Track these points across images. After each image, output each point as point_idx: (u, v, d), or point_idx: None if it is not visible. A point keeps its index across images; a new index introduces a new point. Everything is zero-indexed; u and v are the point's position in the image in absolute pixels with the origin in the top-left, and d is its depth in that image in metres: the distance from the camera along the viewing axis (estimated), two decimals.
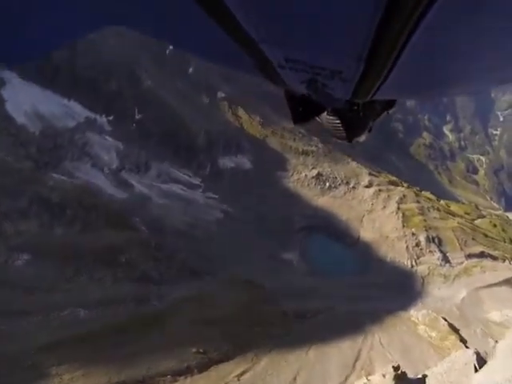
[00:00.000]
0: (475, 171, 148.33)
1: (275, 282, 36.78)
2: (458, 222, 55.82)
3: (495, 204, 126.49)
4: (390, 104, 1.70)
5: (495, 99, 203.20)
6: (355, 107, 1.46)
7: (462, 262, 47.51)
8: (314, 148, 63.77)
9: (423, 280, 43.96)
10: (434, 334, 31.45)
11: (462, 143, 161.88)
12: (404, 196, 57.00)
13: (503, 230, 65.52)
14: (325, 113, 1.74)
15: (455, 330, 32.19)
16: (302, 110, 1.65)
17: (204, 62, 69.01)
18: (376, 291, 39.68)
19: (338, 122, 1.72)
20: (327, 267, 45.67)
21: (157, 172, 49.06)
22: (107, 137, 48.20)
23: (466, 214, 66.49)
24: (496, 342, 30.36)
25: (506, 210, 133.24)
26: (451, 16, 0.72)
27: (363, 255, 48.29)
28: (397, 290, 40.93)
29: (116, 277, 30.12)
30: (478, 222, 65.11)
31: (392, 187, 59.67)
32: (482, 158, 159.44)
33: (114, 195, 41.95)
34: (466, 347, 28.46)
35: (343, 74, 1.00)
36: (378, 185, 59.22)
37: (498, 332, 31.69)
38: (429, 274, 44.98)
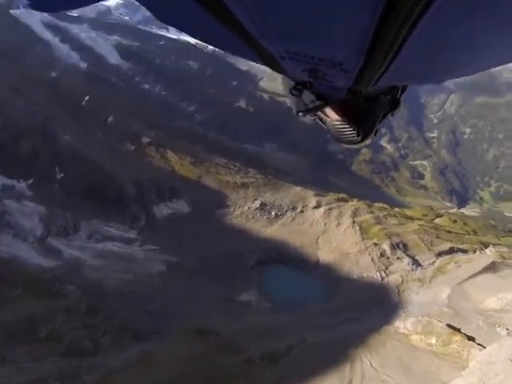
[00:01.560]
0: (421, 176, 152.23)
1: (234, 326, 34.28)
2: (419, 224, 55.88)
3: (448, 203, 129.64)
4: (394, 104, 1.67)
5: (425, 103, 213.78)
6: (357, 97, 1.47)
7: (433, 262, 46.84)
8: (252, 179, 62.79)
9: (398, 289, 42.39)
10: (433, 341, 29.07)
11: (402, 152, 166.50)
12: (356, 209, 56.36)
13: (465, 224, 66.91)
14: (330, 118, 1.72)
15: (456, 330, 29.94)
16: (304, 102, 1.62)
17: (124, 109, 69.23)
18: (350, 313, 37.89)
19: (344, 123, 1.69)
20: (290, 299, 43.30)
21: (87, 232, 46.17)
22: (28, 202, 45.41)
23: (424, 216, 67.10)
24: (507, 329, 29.00)
25: (460, 206, 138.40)
26: (453, 7, 0.74)
27: (327, 278, 46.51)
28: (372, 306, 39.05)
29: (35, 354, 26.28)
30: (437, 221, 65.72)
31: (342, 203, 59.10)
32: (424, 162, 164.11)
33: (42, 265, 38.70)
34: (479, 345, 26.78)
35: (344, 65, 1.02)
36: (327, 204, 58.43)
37: (503, 318, 30.64)
38: (402, 281, 43.64)
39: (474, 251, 49.97)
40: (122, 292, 38.06)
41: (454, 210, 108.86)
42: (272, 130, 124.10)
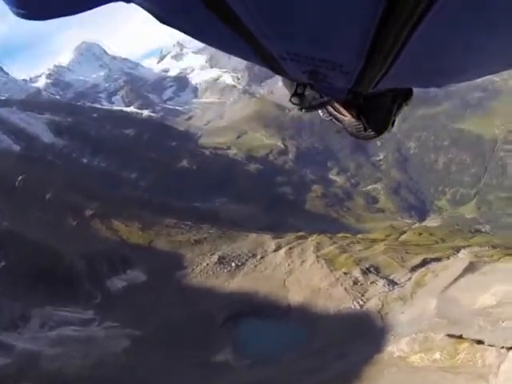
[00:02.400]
0: (376, 200, 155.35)
1: None
2: (385, 245, 55.56)
3: (408, 220, 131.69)
4: (407, 94, 1.73)
5: None
6: (358, 98, 1.49)
7: (409, 278, 45.76)
8: (206, 234, 61.89)
9: (380, 313, 40.74)
10: (437, 356, 26.76)
11: (353, 181, 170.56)
12: (318, 243, 55.59)
13: (431, 235, 67.59)
14: (343, 115, 1.79)
15: (459, 337, 27.62)
16: (308, 98, 1.62)
17: (62, 186, 67.41)
18: (335, 350, 36.05)
19: (357, 119, 1.76)
20: (268, 351, 41.05)
21: (40, 320, 43.52)
22: None
23: (388, 236, 67.39)
24: None
25: (421, 220, 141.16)
26: (454, 10, 0.75)
27: (303, 320, 44.68)
28: (358, 337, 37.32)
29: None
30: (402, 238, 65.95)
31: (302, 241, 58.31)
32: (376, 186, 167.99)
33: None
34: (491, 346, 24.78)
35: (344, 67, 1.03)
36: (287, 244, 57.53)
37: (505, 312, 29.16)
38: (383, 304, 41.93)
39: (448, 257, 49.86)
40: (85, 379, 35.24)
41: (417, 225, 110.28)
42: (219, 183, 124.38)
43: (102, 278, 50.60)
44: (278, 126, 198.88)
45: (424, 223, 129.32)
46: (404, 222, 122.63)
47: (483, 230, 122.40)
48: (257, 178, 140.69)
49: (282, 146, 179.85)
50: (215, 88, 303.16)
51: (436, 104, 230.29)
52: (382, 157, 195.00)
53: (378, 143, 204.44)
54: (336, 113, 1.79)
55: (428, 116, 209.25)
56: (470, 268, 42.09)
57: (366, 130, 1.78)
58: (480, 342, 25.36)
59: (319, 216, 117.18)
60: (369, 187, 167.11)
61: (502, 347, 21.84)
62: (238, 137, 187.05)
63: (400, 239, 63.06)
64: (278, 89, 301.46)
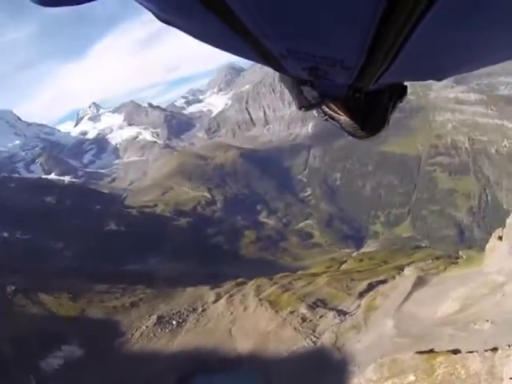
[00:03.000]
0: (310, 236, 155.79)
1: None
2: (327, 276, 55.19)
3: (347, 250, 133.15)
4: (402, 91, 1.73)
5: (290, 167, 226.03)
6: (358, 94, 1.53)
7: (359, 305, 45.02)
8: (141, 295, 59.56)
9: (336, 346, 39.25)
10: (412, 378, 22.91)
11: (284, 220, 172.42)
12: (258, 287, 54.46)
13: (371, 259, 68.48)
14: (340, 114, 1.80)
15: (431, 352, 24.26)
16: (305, 98, 1.65)
17: None
18: None
19: (354, 118, 1.77)
20: None
21: None
22: None
23: (328, 268, 67.32)
24: (487, 320, 27.08)
25: (359, 247, 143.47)
26: (455, 7, 0.76)
27: (256, 368, 42.50)
28: (318, 376, 35.71)
29: None
30: (343, 267, 66.49)
31: (241, 287, 57.14)
32: (308, 222, 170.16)
33: None
34: (470, 352, 21.57)
35: (345, 63, 1.04)
36: (227, 292, 56.14)
37: (473, 314, 29.22)
38: (337, 337, 40.47)
39: (393, 277, 50.15)
40: None
41: (356, 253, 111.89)
42: (150, 242, 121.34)
43: (35, 360, 46.32)
44: (202, 177, 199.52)
45: (363, 250, 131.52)
46: (343, 253, 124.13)
47: (423, 245, 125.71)
48: (188, 232, 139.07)
49: (209, 196, 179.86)
50: (135, 146, 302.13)
51: None
52: (309, 192, 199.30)
53: (304, 179, 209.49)
54: (332, 112, 1.78)
55: (349, 144, 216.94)
56: (420, 282, 42.34)
57: (363, 128, 1.77)
58: (456, 352, 23.25)
59: (256, 261, 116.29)
60: (301, 224, 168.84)
61: (486, 350, 20.44)
62: (164, 193, 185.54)
63: (341, 269, 63.44)
64: (198, 139, 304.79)
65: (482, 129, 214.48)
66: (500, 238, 42.43)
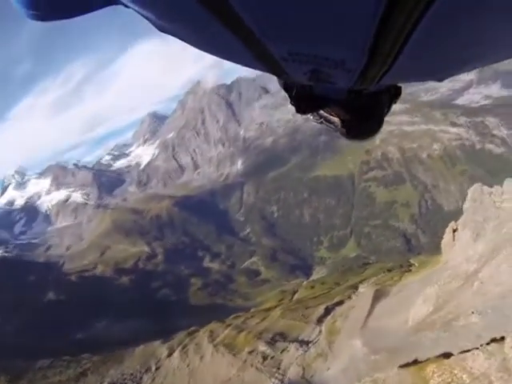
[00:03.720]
0: (257, 273, 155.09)
1: None
2: (281, 309, 54.06)
3: (296, 280, 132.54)
4: (396, 92, 1.73)
5: (226, 208, 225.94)
6: (358, 97, 1.53)
7: (320, 331, 43.31)
8: (89, 364, 57.59)
9: (305, 378, 37.15)
10: None
11: (228, 262, 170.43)
12: (211, 332, 52.29)
13: (323, 284, 67.81)
14: (336, 117, 1.80)
15: (417, 363, 21.59)
16: (305, 101, 1.64)
17: None
18: None
19: (351, 120, 1.77)
20: None
21: None
22: None
23: (281, 300, 66.49)
24: (472, 312, 25.13)
25: (308, 275, 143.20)
26: (455, 5, 0.76)
27: None
28: None
29: None
30: (296, 297, 65.54)
31: (194, 335, 54.94)
32: (253, 259, 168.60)
33: None
34: (464, 352, 18.90)
35: (346, 64, 1.04)
36: (180, 344, 53.60)
37: (450, 312, 27.30)
38: (304, 369, 38.21)
39: (349, 297, 49.53)
40: None
41: (305, 282, 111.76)
42: (93, 306, 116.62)
43: None
44: (140, 232, 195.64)
45: (312, 277, 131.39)
46: (293, 284, 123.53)
47: (371, 261, 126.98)
48: (131, 290, 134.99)
49: (149, 250, 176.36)
50: (67, 210, 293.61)
51: (284, 162, 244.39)
52: (249, 230, 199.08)
53: (242, 218, 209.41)
54: (328, 115, 1.77)
55: (280, 176, 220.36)
56: (379, 295, 41.47)
57: (362, 130, 1.78)
58: (448, 355, 20.54)
59: (206, 307, 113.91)
60: (246, 263, 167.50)
61: (488, 343, 18.08)
62: (102, 253, 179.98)
63: (294, 299, 62.68)
64: (129, 194, 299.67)
65: (411, 136, 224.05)
66: (455, 230, 42.95)
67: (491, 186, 41.81)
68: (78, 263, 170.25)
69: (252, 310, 64.39)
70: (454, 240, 42.99)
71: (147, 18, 0.99)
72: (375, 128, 1.76)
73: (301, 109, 1.57)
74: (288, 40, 0.95)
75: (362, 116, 1.68)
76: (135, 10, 0.97)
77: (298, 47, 0.98)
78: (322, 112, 1.79)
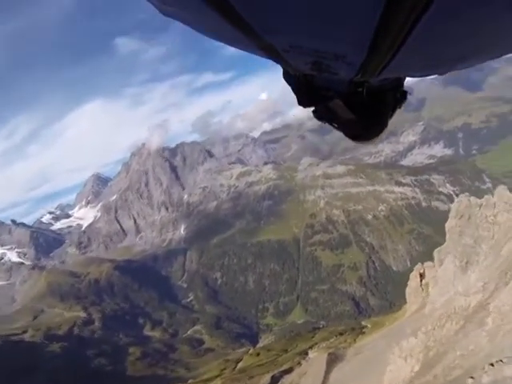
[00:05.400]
0: (201, 342, 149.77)
1: None
2: (222, 378, 52.62)
3: (242, 349, 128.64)
4: (401, 97, 1.74)
5: (168, 275, 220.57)
6: (360, 89, 1.52)
7: None
8: None
9: None
10: None
11: (170, 331, 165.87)
12: None
13: (269, 351, 66.34)
14: (341, 118, 1.76)
15: None
16: (307, 94, 1.66)
17: None
18: None
19: (356, 121, 1.75)
20: None
21: None
22: None
23: (223, 370, 64.94)
24: (491, 364, 19.20)
25: (254, 343, 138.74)
26: (454, 3, 0.77)
27: None
28: None
29: None
30: (240, 365, 63.32)
31: None
32: (196, 327, 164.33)
33: None
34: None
35: (347, 58, 1.05)
36: None
37: (450, 367, 21.09)
38: None
39: (299, 363, 47.10)
40: None
41: (252, 350, 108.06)
42: (20, 374, 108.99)
43: None
44: (77, 296, 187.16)
45: (258, 345, 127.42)
46: (238, 353, 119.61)
47: (321, 326, 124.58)
48: (64, 358, 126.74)
49: (85, 315, 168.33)
50: (0, 269, 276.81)
51: (228, 227, 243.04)
52: (192, 297, 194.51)
53: (184, 285, 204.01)
54: (332, 114, 1.73)
55: (224, 241, 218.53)
56: (333, 359, 38.67)
57: (366, 128, 1.76)
58: None
59: (145, 378, 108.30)
60: (189, 331, 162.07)
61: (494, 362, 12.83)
62: (35, 317, 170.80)
63: (238, 367, 60.25)
64: (69, 256, 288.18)
65: (356, 198, 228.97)
66: (421, 274, 40.62)
67: (440, 244, 38.17)
68: (7, 327, 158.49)
69: (190, 382, 61.31)
70: (421, 285, 40.17)
71: (150, 2, 0.99)
72: (380, 128, 1.73)
73: (302, 101, 1.59)
74: (288, 35, 0.96)
75: (367, 115, 1.64)
76: None
77: (298, 41, 1.00)
78: (325, 112, 1.72)
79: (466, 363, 17.27)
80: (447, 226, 35.04)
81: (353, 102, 1.57)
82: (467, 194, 33.84)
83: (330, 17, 0.83)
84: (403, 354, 26.27)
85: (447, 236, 35.25)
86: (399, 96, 1.67)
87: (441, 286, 33.31)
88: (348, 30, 0.89)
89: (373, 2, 0.76)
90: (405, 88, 1.67)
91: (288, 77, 1.60)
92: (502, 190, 31.61)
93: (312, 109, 1.74)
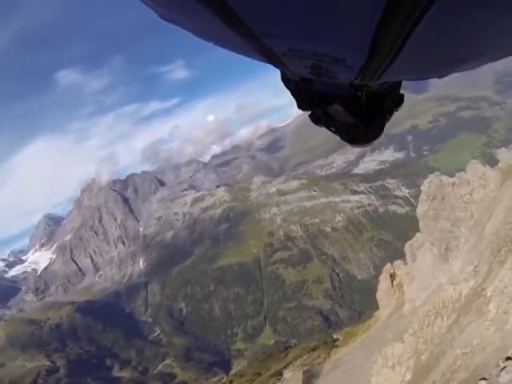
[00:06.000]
0: (173, 376, 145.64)
1: None
2: None
3: (215, 378, 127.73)
4: (399, 100, 1.77)
5: (132, 309, 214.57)
6: (359, 93, 1.53)
7: None
8: None
9: None
10: None
11: (140, 368, 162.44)
12: None
13: (242, 376, 68.19)
14: (338, 121, 1.78)
15: None
16: (306, 98, 1.64)
17: None
18: None
19: (353, 124, 1.76)
20: None
21: None
22: None
23: None
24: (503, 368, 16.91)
25: (227, 371, 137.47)
26: (456, 3, 0.76)
27: None
28: None
29: None
30: None
31: None
32: (166, 361, 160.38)
33: None
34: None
35: (346, 61, 1.05)
36: None
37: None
38: None
39: None
40: None
41: (225, 379, 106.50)
42: None
43: None
44: (38, 344, 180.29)
45: (232, 372, 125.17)
46: (211, 382, 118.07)
47: (292, 344, 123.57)
48: None
49: (49, 363, 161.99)
50: None
51: (187, 255, 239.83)
52: (158, 331, 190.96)
53: (149, 319, 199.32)
54: (330, 118, 1.74)
55: (184, 270, 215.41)
56: (309, 377, 37.70)
57: (362, 135, 1.77)
58: None
59: None
60: (160, 367, 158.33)
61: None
62: None
63: None
64: (26, 303, 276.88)
65: (312, 212, 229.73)
66: (392, 275, 39.31)
67: (401, 251, 36.37)
68: None
69: None
70: (392, 287, 38.57)
71: (149, 6, 0.99)
72: (378, 132, 1.75)
73: (301, 104, 1.59)
74: (288, 38, 0.96)
75: (366, 119, 1.66)
76: None
77: (298, 45, 0.99)
78: (323, 116, 1.73)
79: (471, 362, 15.85)
80: (418, 211, 32.68)
81: (352, 106, 1.58)
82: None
83: (330, 20, 0.83)
84: (389, 363, 24.47)
85: (420, 223, 32.83)
86: (397, 99, 1.70)
87: (419, 282, 31.62)
88: (348, 34, 0.89)
89: (372, 6, 0.76)
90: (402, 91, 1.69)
91: (287, 81, 1.60)
92: (474, 164, 29.68)
93: (308, 113, 1.73)
